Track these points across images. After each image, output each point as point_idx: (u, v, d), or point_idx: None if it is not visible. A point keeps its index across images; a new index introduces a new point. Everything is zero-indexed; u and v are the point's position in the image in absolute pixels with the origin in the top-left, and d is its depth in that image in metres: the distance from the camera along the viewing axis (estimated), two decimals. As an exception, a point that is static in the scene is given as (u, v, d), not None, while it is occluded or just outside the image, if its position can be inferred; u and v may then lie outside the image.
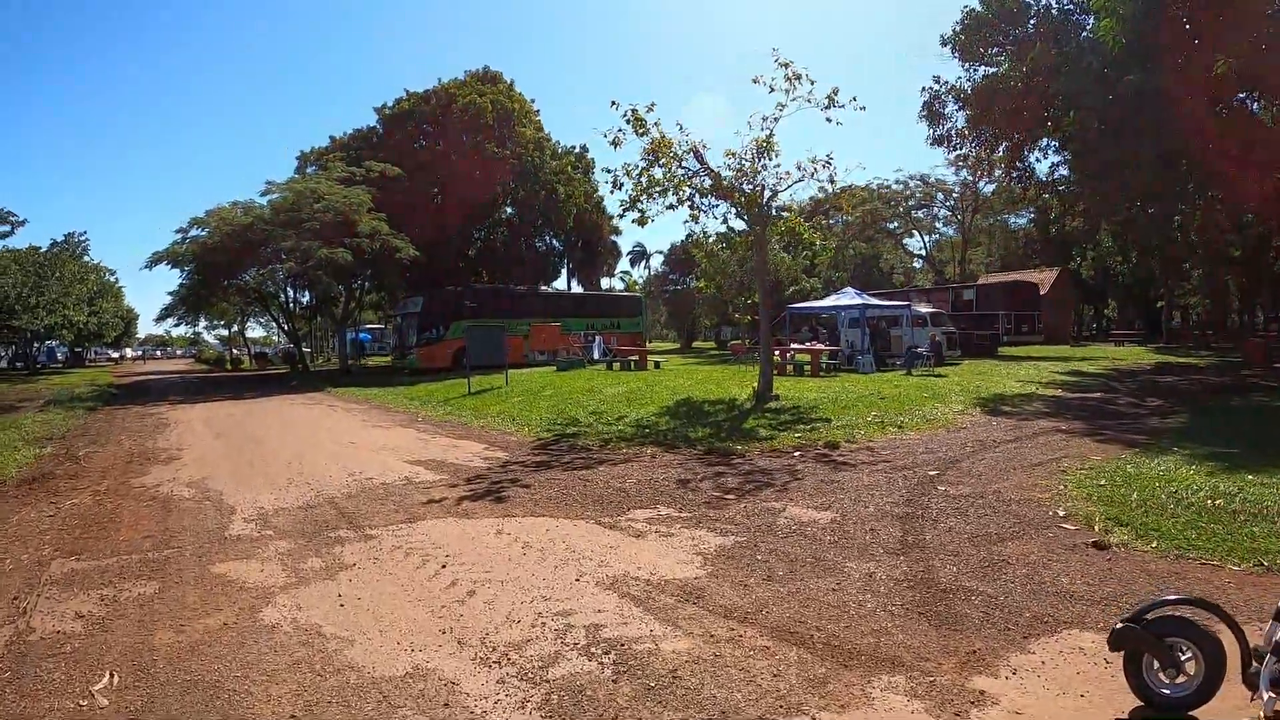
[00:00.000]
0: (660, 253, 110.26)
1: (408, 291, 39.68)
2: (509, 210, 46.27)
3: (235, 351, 64.21)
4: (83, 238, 46.40)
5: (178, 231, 34.77)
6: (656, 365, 26.01)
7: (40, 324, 43.93)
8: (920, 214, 67.52)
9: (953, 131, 29.19)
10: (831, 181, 16.16)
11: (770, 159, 15.37)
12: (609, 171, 15.91)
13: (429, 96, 42.82)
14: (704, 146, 15.48)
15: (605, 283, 64.74)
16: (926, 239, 72.27)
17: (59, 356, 69.60)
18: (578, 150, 48.78)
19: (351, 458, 12.33)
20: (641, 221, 15.99)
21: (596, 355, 32.18)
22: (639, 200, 15.62)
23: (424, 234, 35.92)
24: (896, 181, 62.83)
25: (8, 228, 37.78)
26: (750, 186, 15.55)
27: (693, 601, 5.16)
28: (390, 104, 44.20)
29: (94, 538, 7.88)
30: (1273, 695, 2.93)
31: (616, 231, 57.81)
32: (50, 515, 9.08)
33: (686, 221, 17.63)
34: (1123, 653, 3.43)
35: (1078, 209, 29.34)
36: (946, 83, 28.10)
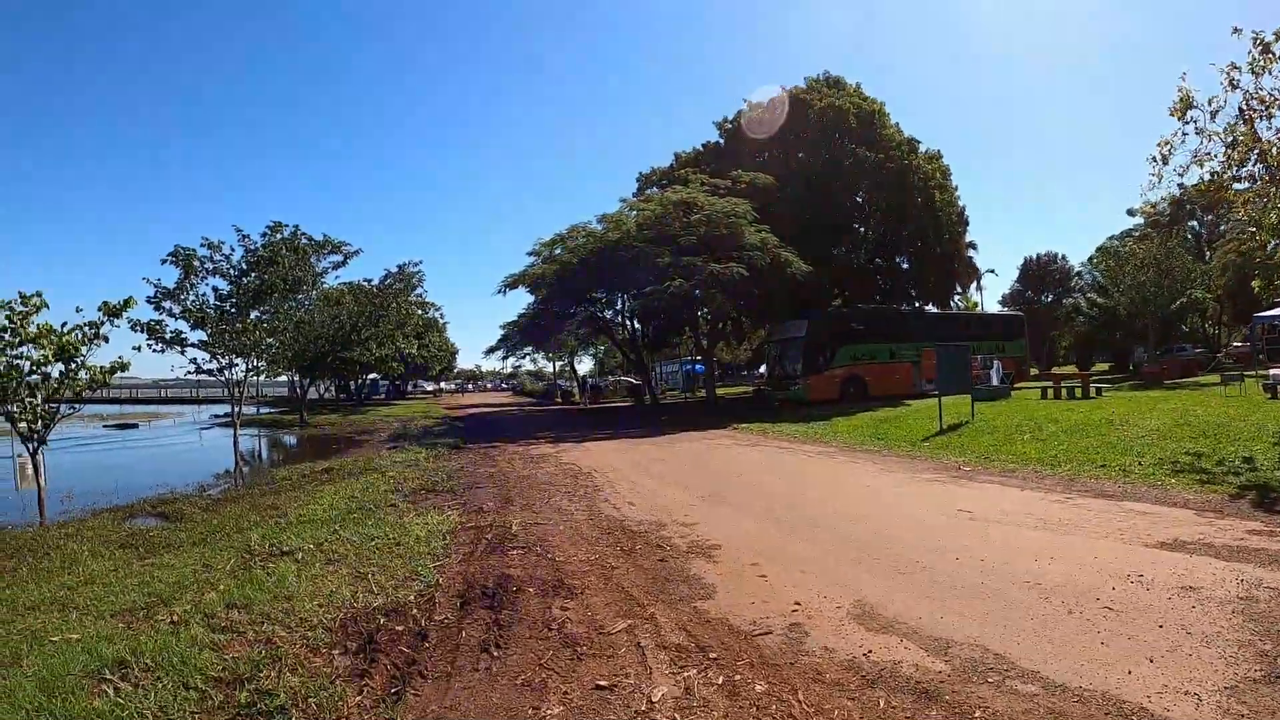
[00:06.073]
0: (992, 272, 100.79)
1: (774, 315, 36.03)
2: (860, 227, 40.63)
3: (563, 384, 62.89)
4: (417, 268, 45.78)
5: (530, 254, 33.83)
6: (1098, 392, 22.91)
7: (371, 356, 43.95)
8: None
9: None
10: None
11: None
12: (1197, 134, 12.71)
13: (774, 105, 39.54)
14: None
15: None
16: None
17: (381, 390, 73.22)
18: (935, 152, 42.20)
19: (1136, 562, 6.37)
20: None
21: (995, 381, 27.46)
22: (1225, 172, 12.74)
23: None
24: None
25: (340, 258, 37.07)
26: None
27: None
28: (730, 117, 41.63)
29: None
30: None
31: (972, 246, 50.85)
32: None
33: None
34: None
35: None
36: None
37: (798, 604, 5.54)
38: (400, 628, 5.18)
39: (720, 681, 4.23)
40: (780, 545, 7.43)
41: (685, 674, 4.33)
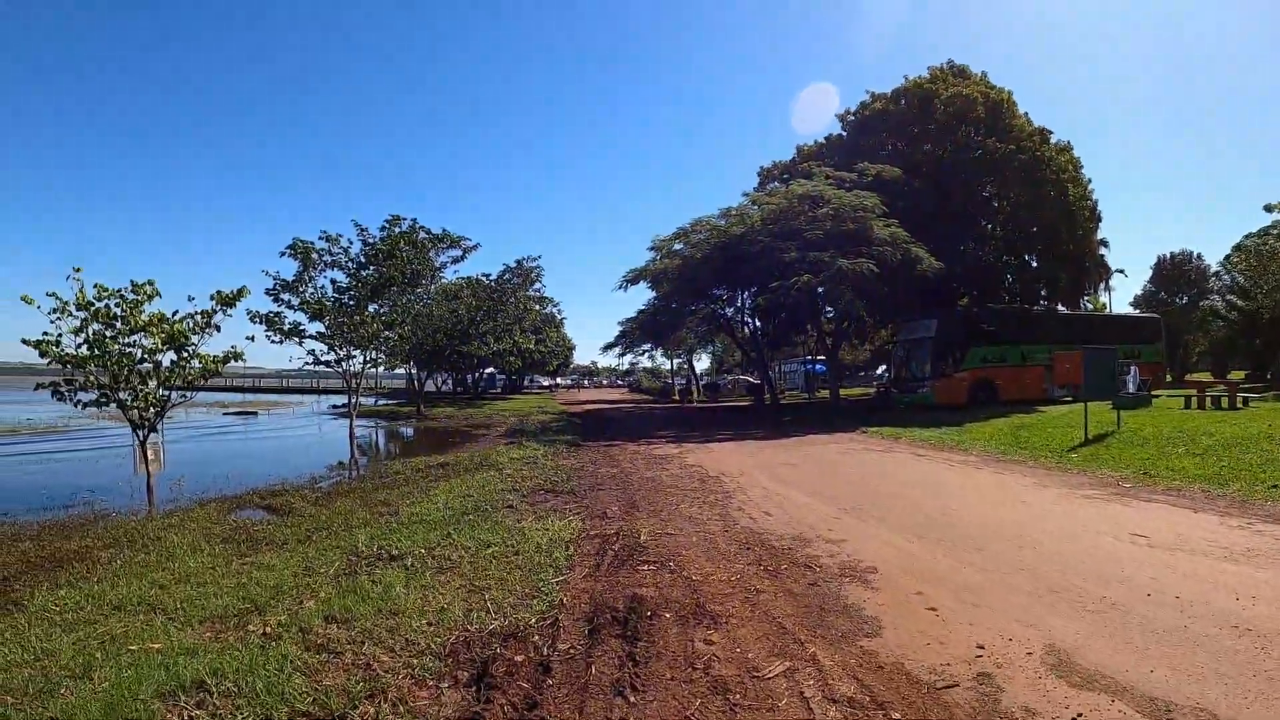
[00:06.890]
0: (1121, 272, 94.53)
1: (899, 314, 35.10)
2: (987, 223, 38.67)
3: (681, 381, 62.76)
4: (535, 263, 45.97)
5: (651, 249, 33.78)
6: (1245, 403, 21.61)
7: (488, 350, 44.39)
8: None
9: None
10: None
11: None
12: None
13: (898, 96, 38.74)
14: None
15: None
16: None
17: (497, 384, 74.83)
18: (1066, 143, 39.90)
19: None
20: None
21: (1131, 387, 26.08)
22: None
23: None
24: None
25: (459, 252, 37.38)
26: None
27: None
28: (854, 109, 40.77)
29: None
30: None
31: (1104, 243, 47.79)
32: None
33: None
34: None
35: None
36: None
37: (981, 647, 4.75)
38: (519, 657, 4.51)
39: None
40: (942, 570, 6.55)
41: None
